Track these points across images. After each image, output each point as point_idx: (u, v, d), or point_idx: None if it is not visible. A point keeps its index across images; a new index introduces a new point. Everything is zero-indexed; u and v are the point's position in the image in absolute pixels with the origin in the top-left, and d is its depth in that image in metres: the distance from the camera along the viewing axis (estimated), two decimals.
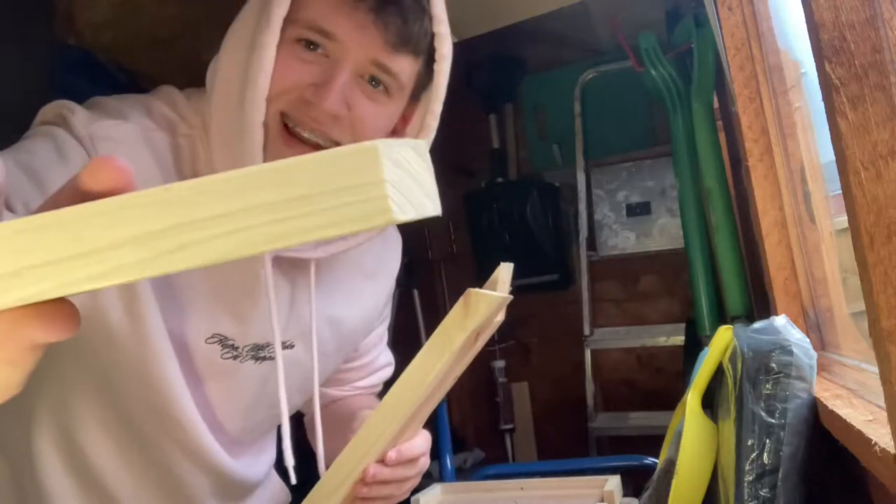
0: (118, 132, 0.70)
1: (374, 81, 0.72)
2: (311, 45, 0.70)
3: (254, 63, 0.68)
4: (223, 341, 0.77)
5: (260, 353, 0.81)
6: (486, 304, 0.53)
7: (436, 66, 0.75)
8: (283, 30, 0.68)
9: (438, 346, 0.55)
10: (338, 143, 0.71)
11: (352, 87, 0.71)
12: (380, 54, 0.70)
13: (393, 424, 0.61)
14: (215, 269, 0.73)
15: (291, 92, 0.69)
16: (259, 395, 0.83)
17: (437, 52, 0.74)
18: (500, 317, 0.59)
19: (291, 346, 0.84)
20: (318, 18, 0.69)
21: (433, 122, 0.77)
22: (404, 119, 0.80)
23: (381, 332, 1.02)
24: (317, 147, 0.71)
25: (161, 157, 0.73)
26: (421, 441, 0.74)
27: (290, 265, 0.80)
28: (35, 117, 0.74)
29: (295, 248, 0.76)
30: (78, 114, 0.70)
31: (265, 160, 0.69)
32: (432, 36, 0.74)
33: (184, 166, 0.74)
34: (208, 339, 0.76)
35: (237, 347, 0.78)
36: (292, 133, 0.71)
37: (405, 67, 0.73)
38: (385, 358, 1.06)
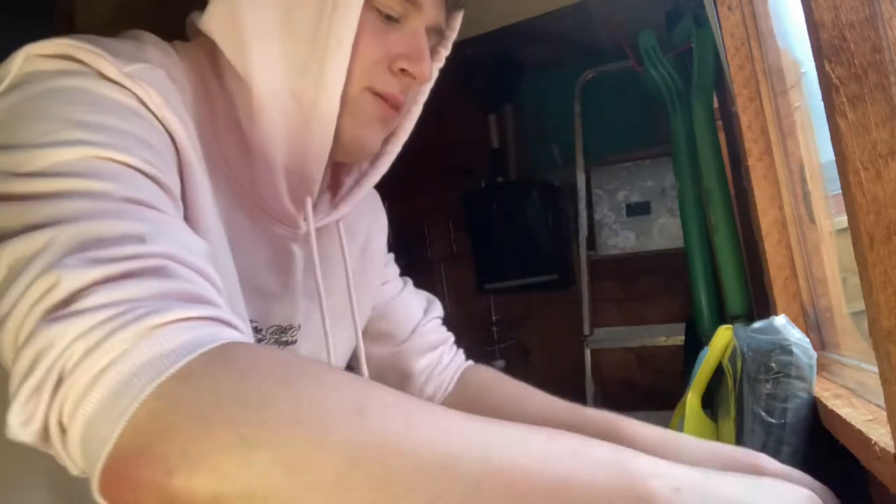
0: (152, 75, 0.58)
1: None
2: (388, 17, 0.66)
3: (333, 35, 0.61)
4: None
5: (283, 336, 0.74)
6: None
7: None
8: None
9: None
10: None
11: None
12: (443, 18, 0.70)
13: None
14: (251, 245, 0.68)
15: (380, 65, 0.66)
16: None
17: None
18: None
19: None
20: None
21: (445, 53, 0.78)
22: None
23: (395, 273, 0.98)
24: (397, 111, 0.69)
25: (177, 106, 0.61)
26: None
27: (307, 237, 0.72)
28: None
29: (318, 214, 0.72)
30: (102, 57, 0.54)
31: (339, 130, 0.65)
32: None
33: (187, 122, 0.62)
34: None
35: (260, 330, 0.71)
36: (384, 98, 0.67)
37: (450, 25, 0.74)
38: (419, 300, 0.99)
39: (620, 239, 2.94)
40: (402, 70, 0.66)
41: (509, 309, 3.23)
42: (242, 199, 0.67)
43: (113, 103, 0.53)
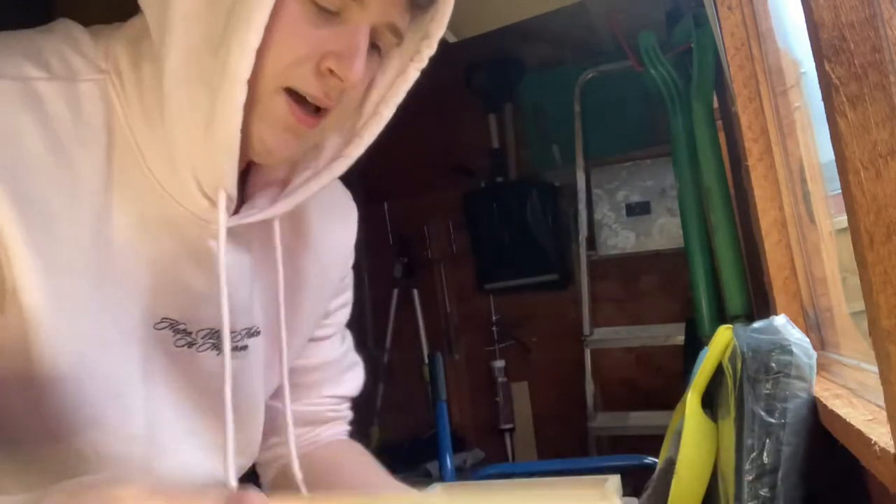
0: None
1: (373, 47, 0.63)
2: (324, 9, 0.58)
3: (242, 16, 0.54)
4: (174, 326, 0.66)
5: (236, 340, 0.69)
6: None
7: None
8: None
9: None
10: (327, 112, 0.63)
11: None
12: (396, 15, 0.61)
13: None
14: (159, 243, 0.63)
15: (305, 64, 0.58)
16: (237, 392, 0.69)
17: None
18: None
19: (257, 334, 0.72)
20: None
21: (428, 52, 0.68)
22: None
23: (347, 301, 0.89)
24: (316, 117, 0.61)
25: (53, 116, 0.57)
26: None
27: (246, 230, 0.67)
28: None
29: (251, 209, 0.65)
30: None
31: (246, 121, 0.58)
32: None
33: (90, 119, 0.60)
34: (157, 324, 0.65)
35: (190, 333, 0.66)
36: (297, 101, 0.60)
37: (408, 24, 0.64)
38: (352, 356, 0.92)
39: (620, 239, 2.94)
40: (330, 70, 0.58)
41: (509, 309, 3.23)
42: (160, 195, 0.63)
43: None
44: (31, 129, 0.56)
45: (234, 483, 0.64)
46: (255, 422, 0.77)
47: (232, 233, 0.65)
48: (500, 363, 3.13)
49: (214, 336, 0.68)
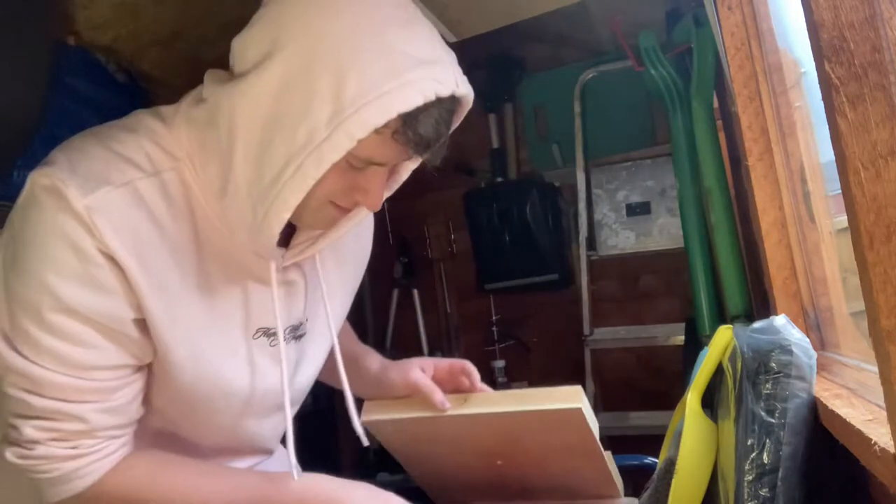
0: (109, 202, 0.75)
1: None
2: (352, 165, 0.78)
3: (301, 170, 0.74)
4: (266, 332, 0.91)
5: (297, 332, 0.96)
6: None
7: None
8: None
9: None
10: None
11: None
12: (408, 155, 0.80)
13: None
14: (241, 280, 0.88)
15: (342, 196, 0.81)
16: (299, 366, 0.98)
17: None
18: None
19: (307, 321, 0.98)
20: (372, 156, 0.77)
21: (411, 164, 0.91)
22: None
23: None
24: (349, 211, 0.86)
25: (154, 207, 0.79)
26: None
27: (299, 262, 0.94)
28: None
29: (299, 250, 0.91)
30: (71, 186, 0.74)
31: (298, 214, 0.79)
32: None
33: (176, 200, 0.81)
34: (254, 334, 0.90)
35: (275, 333, 0.92)
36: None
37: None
38: None
39: (620, 239, 2.94)
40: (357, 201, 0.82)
41: (509, 309, 3.23)
42: (236, 246, 0.85)
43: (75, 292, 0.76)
44: (143, 220, 0.78)
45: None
46: (310, 380, 1.03)
47: (292, 265, 0.92)
48: (500, 363, 3.12)
49: (293, 331, 0.95)
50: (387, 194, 0.88)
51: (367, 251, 1.11)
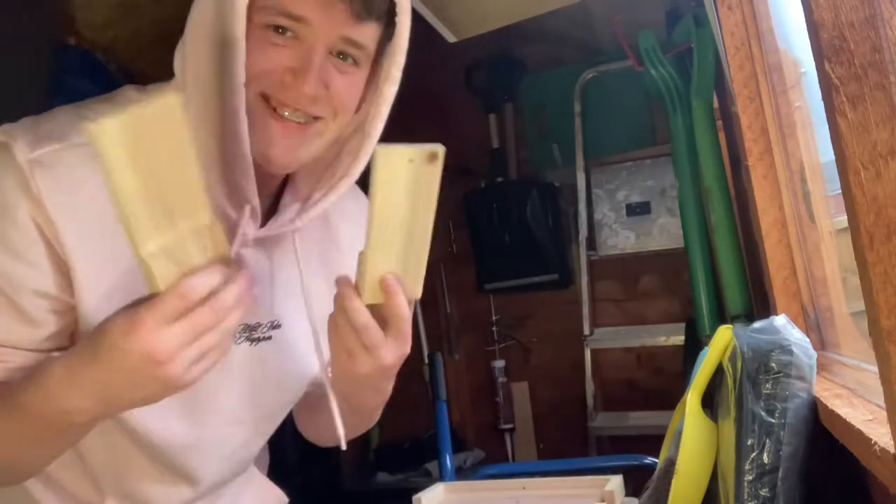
0: (56, 158, 0.70)
1: (342, 55, 0.75)
2: (280, 28, 0.72)
3: (227, 56, 0.69)
4: None
5: (254, 333, 0.83)
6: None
7: (397, 19, 0.77)
8: (249, 16, 0.70)
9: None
10: (319, 119, 0.75)
11: (326, 65, 0.74)
12: (347, 29, 0.73)
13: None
14: None
15: (269, 75, 0.72)
16: (261, 379, 0.85)
17: (397, 6, 0.76)
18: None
19: (278, 326, 0.85)
20: (286, 4, 0.71)
21: (397, 73, 0.80)
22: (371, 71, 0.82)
23: None
24: (301, 125, 0.74)
25: None
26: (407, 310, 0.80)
27: (270, 242, 0.82)
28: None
29: (274, 224, 0.79)
30: (19, 140, 0.70)
31: (252, 142, 0.72)
32: None
33: None
34: None
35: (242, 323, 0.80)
36: (276, 111, 0.73)
37: (371, 35, 0.76)
38: None
39: (620, 239, 2.94)
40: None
41: (509, 309, 3.23)
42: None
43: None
44: (98, 185, 0.66)
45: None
46: (280, 400, 0.90)
47: (260, 243, 0.79)
48: (500, 363, 3.12)
49: (247, 330, 0.81)
50: (372, 129, 0.79)
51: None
